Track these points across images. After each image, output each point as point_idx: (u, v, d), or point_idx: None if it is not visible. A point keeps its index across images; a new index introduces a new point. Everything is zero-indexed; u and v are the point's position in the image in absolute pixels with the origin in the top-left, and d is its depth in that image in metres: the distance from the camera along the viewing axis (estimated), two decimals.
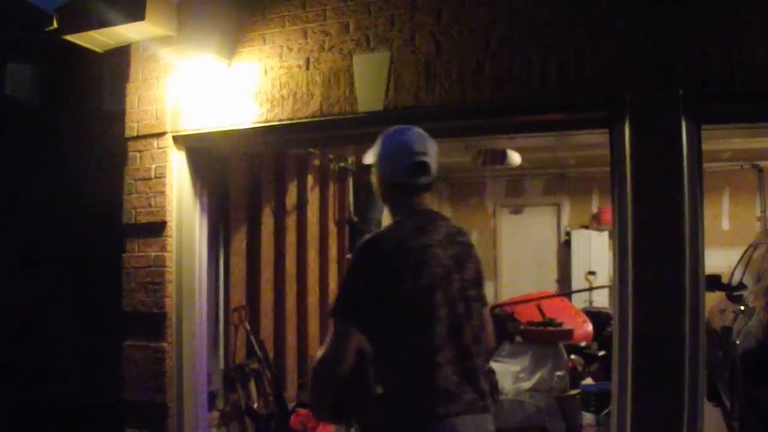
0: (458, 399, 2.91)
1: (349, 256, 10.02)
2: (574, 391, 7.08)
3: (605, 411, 6.52)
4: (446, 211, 14.38)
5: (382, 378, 3.02)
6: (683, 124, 4.66)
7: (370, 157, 3.34)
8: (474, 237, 14.18)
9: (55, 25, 6.28)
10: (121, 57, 6.84)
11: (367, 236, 3.13)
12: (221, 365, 7.43)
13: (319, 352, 3.02)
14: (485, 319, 3.24)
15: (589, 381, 7.44)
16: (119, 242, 6.41)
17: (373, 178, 3.34)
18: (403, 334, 2.97)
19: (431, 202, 3.31)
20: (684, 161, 4.64)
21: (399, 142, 3.21)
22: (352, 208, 10.04)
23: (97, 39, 6.34)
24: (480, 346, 3.09)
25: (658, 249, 4.66)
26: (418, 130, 3.24)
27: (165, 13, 6.12)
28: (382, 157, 3.25)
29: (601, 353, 7.90)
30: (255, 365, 7.75)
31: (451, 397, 2.90)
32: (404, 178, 3.16)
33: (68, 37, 6.32)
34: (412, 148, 3.16)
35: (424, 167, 3.16)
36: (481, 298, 3.22)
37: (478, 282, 3.20)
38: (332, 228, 9.89)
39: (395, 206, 3.25)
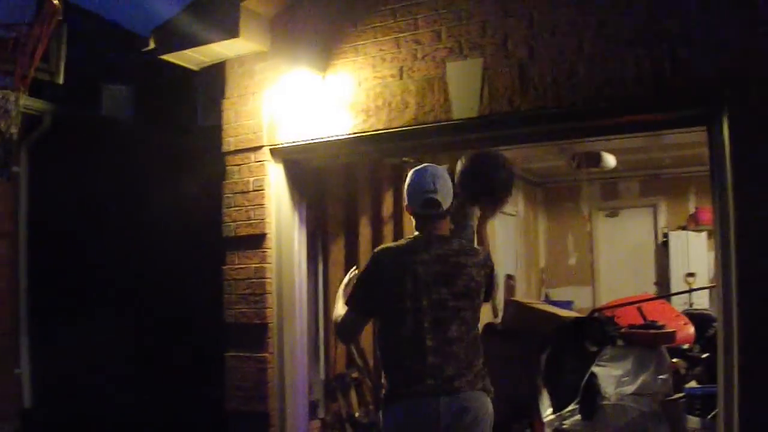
0: (422, 381, 3.82)
1: None
2: (678, 395, 6.96)
3: (711, 414, 6.40)
4: (541, 216, 14.30)
5: (379, 352, 4.10)
6: None
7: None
8: (570, 241, 14.09)
9: (152, 45, 6.44)
10: (213, 74, 6.98)
11: (378, 248, 4.19)
12: (322, 375, 7.49)
13: (338, 313, 4.21)
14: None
15: (693, 384, 7.31)
16: (217, 255, 6.52)
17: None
18: (387, 325, 4.01)
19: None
20: None
21: (416, 181, 4.07)
22: None
23: (192, 57, 6.48)
24: (462, 345, 3.90)
25: (762, 248, 4.55)
26: (432, 171, 4.07)
27: (258, 29, 6.22)
28: (406, 191, 4.15)
29: (705, 355, 7.75)
30: (355, 374, 7.79)
31: (417, 379, 3.83)
32: (419, 210, 4.08)
33: (165, 57, 6.47)
34: (424, 187, 4.02)
35: (432, 202, 4.01)
36: (471, 307, 4.00)
37: (467, 294, 3.97)
38: None
39: (415, 227, 4.15)
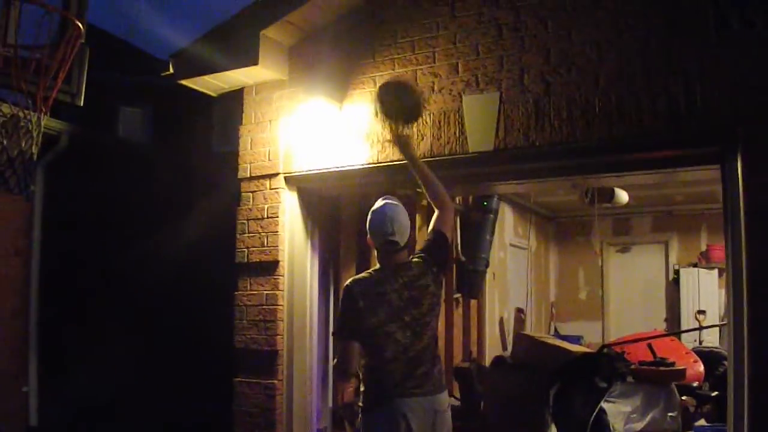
0: (403, 388, 4.25)
1: (457, 295, 10.02)
2: None
3: None
4: (552, 250, 14.29)
5: (363, 372, 4.43)
6: None
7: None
8: (581, 276, 14.07)
9: (171, 70, 6.49)
10: (230, 100, 7.03)
11: (349, 280, 4.59)
12: (330, 403, 7.48)
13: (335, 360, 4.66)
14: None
15: (702, 422, 7.28)
16: (229, 280, 6.54)
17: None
18: (369, 350, 4.37)
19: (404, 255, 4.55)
20: None
21: (375, 224, 4.48)
22: (459, 247, 10.03)
23: (211, 83, 6.55)
24: (428, 354, 4.40)
25: None
26: (390, 214, 4.44)
27: (277, 57, 6.28)
28: (368, 228, 4.55)
29: (714, 393, 7.72)
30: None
31: (398, 387, 4.25)
32: (380, 247, 4.49)
33: (183, 82, 6.54)
34: (384, 230, 4.41)
35: (392, 243, 4.42)
36: (435, 317, 4.52)
37: (432, 309, 4.47)
38: None
39: (378, 259, 4.58)
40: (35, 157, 4.92)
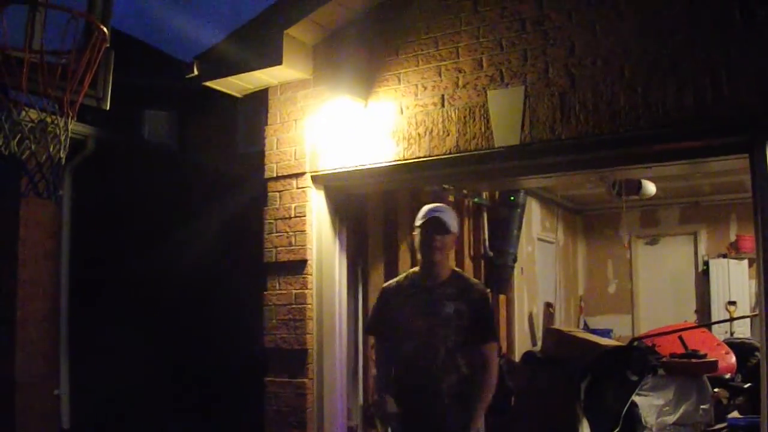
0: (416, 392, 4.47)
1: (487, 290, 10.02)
2: (720, 425, 6.91)
3: None
4: (580, 243, 14.24)
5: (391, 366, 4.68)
6: None
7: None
8: (609, 269, 13.99)
9: (196, 72, 6.52)
10: (255, 101, 7.05)
11: (386, 283, 4.96)
12: (360, 400, 7.50)
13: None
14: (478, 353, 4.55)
15: (735, 414, 7.24)
16: (258, 280, 6.56)
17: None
18: (394, 345, 4.63)
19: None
20: None
21: (424, 210, 4.60)
22: (487, 243, 10.02)
23: (235, 84, 6.57)
24: (444, 364, 4.47)
25: None
26: (437, 217, 4.51)
27: (301, 57, 6.30)
28: (417, 219, 4.63)
29: (747, 385, 7.68)
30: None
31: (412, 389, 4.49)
32: (425, 233, 4.56)
33: (208, 83, 6.57)
34: (431, 210, 4.57)
35: (438, 224, 4.50)
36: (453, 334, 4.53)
37: (447, 322, 4.52)
38: (468, 263, 9.88)
39: (420, 260, 4.71)
40: (63, 161, 4.95)
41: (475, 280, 4.99)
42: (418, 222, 4.58)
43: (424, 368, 4.48)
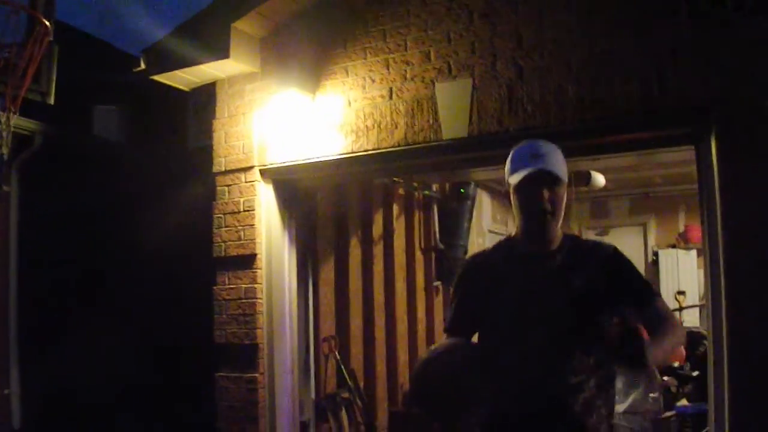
0: None
1: (436, 283, 10.04)
2: (668, 414, 6.96)
3: None
4: None
5: None
6: None
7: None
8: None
9: (143, 66, 6.46)
10: (205, 95, 7.00)
11: (470, 255, 3.60)
12: (312, 395, 7.47)
13: None
14: None
15: (684, 402, 7.31)
16: (208, 275, 6.53)
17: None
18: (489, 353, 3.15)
19: None
20: None
21: (519, 151, 3.23)
22: (438, 235, 10.05)
23: (182, 78, 6.51)
24: (579, 369, 3.09)
25: (750, 266, 4.56)
26: (543, 169, 3.08)
27: (248, 50, 6.25)
28: (508, 168, 3.24)
29: (695, 373, 7.75)
30: (346, 394, 7.79)
31: None
32: (525, 187, 3.12)
33: (155, 77, 6.50)
34: (531, 152, 3.16)
35: (544, 175, 3.08)
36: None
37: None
38: (419, 256, 9.89)
39: (519, 225, 3.28)
40: (5, 156, 4.89)
41: (596, 239, 3.47)
42: (513, 178, 3.14)
43: (548, 385, 3.02)
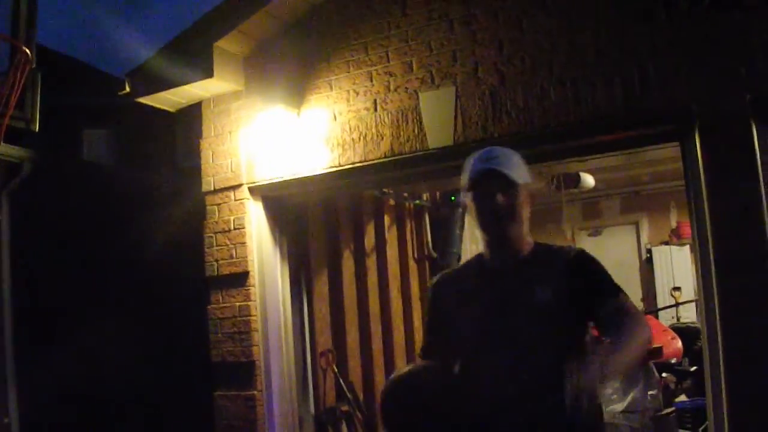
0: None
1: None
2: (668, 410, 6.97)
3: (702, 427, 6.42)
4: None
5: None
6: (754, 128, 4.58)
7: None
8: None
9: (128, 89, 6.47)
10: (192, 115, 7.01)
11: (439, 274, 3.35)
12: (312, 409, 7.47)
13: None
14: None
15: (683, 398, 7.33)
16: (202, 295, 6.53)
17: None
18: (461, 374, 3.11)
19: None
20: (759, 166, 4.56)
21: (472, 158, 3.12)
22: (430, 244, 10.05)
23: (168, 99, 6.52)
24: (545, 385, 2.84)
25: (740, 259, 4.59)
26: (491, 169, 2.99)
27: (232, 68, 6.27)
28: (463, 174, 3.14)
29: (693, 369, 7.78)
30: (345, 407, 7.78)
31: None
32: (476, 189, 3.07)
33: (141, 100, 6.51)
34: (481, 156, 3.08)
35: (494, 175, 3.00)
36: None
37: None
38: (412, 265, 9.89)
39: (481, 236, 3.18)
40: None
41: (565, 244, 3.30)
42: (464, 181, 3.10)
43: (522, 405, 2.85)
